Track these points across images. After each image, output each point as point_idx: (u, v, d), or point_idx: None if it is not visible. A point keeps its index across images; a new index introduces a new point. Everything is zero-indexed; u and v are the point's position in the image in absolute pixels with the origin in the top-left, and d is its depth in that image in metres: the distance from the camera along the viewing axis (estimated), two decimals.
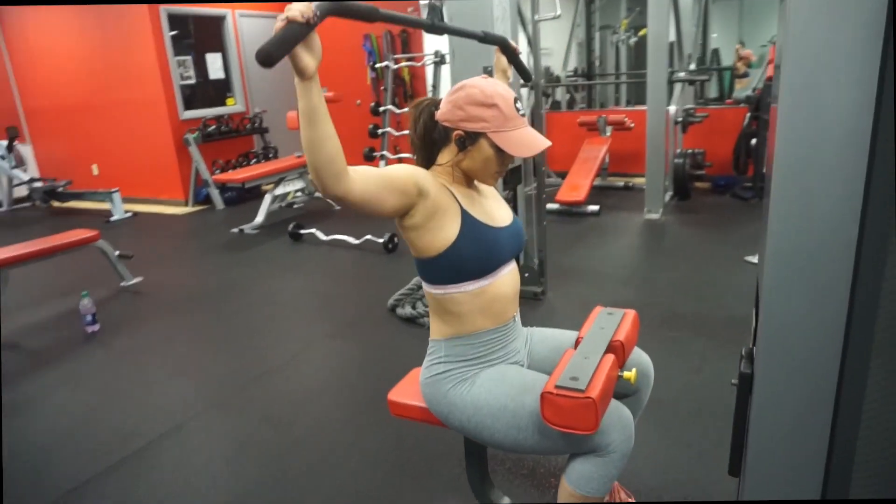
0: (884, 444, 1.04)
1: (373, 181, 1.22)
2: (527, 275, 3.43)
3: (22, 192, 7.41)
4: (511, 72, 1.94)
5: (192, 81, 6.90)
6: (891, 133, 0.88)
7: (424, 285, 1.48)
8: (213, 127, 6.84)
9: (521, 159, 3.37)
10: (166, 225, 6.13)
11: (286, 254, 4.73)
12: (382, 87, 7.80)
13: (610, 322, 1.58)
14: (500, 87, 1.38)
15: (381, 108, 7.40)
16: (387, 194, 1.25)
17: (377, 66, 7.62)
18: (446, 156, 1.44)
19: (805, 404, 1.09)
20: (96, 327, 3.36)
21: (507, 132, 1.37)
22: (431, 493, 1.89)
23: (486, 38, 1.90)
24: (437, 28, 1.65)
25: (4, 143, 7.09)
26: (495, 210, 1.51)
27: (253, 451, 2.17)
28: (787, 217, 1.03)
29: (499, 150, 1.38)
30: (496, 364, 1.48)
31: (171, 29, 6.54)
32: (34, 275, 4.29)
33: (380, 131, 7.39)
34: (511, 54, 1.90)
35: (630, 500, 1.74)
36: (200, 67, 7.03)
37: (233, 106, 7.41)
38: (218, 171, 6.68)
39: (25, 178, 7.15)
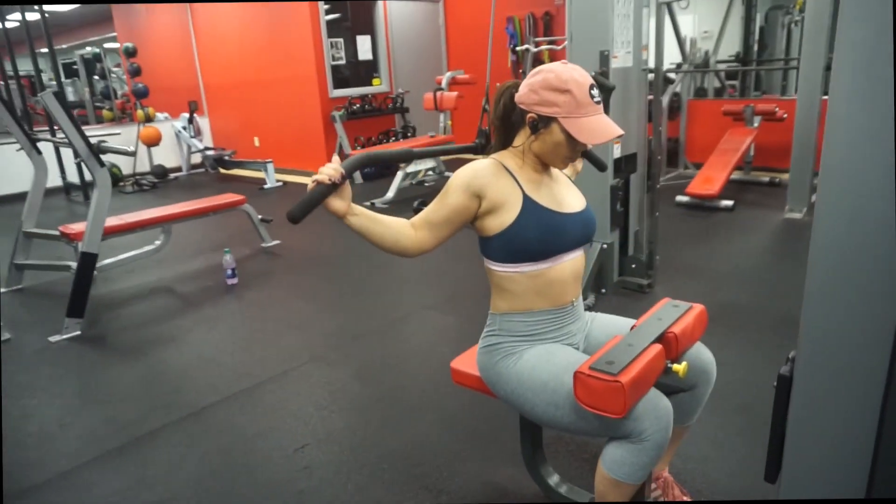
0: None
1: (430, 232, 1.46)
2: (633, 266, 3.34)
3: (197, 159, 8.43)
4: (581, 165, 1.83)
5: (343, 62, 7.39)
6: None
7: (484, 260, 1.54)
8: (358, 105, 7.29)
9: (638, 147, 3.27)
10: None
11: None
12: (521, 70, 7.83)
13: (670, 314, 1.55)
14: (576, 74, 1.40)
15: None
16: (447, 231, 1.47)
17: (518, 48, 7.67)
18: (521, 138, 1.49)
19: (848, 410, 1.04)
20: (235, 280, 3.81)
21: (578, 118, 1.38)
22: (493, 461, 1.97)
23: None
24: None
25: (186, 115, 8.11)
26: (565, 196, 1.52)
27: (341, 401, 2.38)
28: (834, 216, 0.98)
29: (569, 136, 1.40)
30: (547, 342, 1.52)
31: (327, 13, 7.05)
32: (194, 231, 4.93)
33: None
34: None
35: (685, 499, 1.70)
36: (351, 49, 7.51)
37: (378, 86, 7.84)
38: (359, 147, 7.13)
39: (200, 146, 8.13)
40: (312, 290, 3.72)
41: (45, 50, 6.72)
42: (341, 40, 7.30)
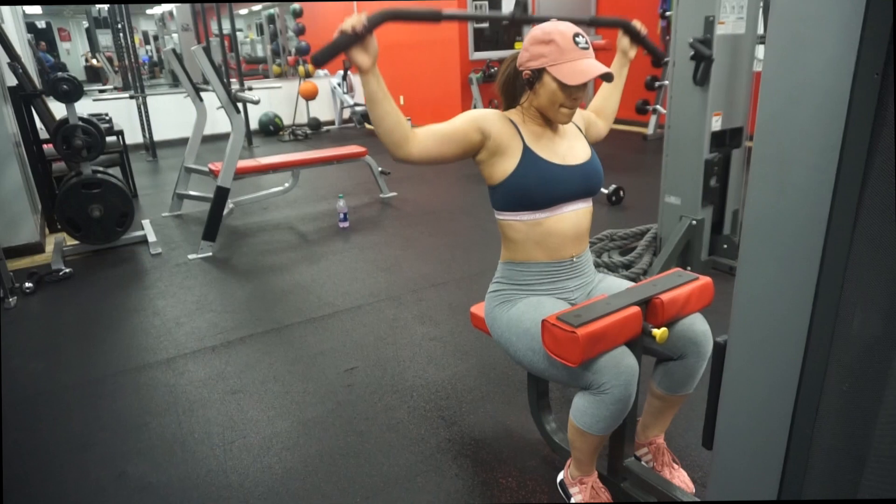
0: (842, 414, 0.99)
1: (431, 140, 1.46)
2: (726, 246, 3.19)
3: (348, 114, 9.09)
4: (633, 52, 1.81)
5: (486, 24, 7.50)
6: (865, 105, 0.82)
7: (494, 211, 1.65)
8: (496, 69, 7.39)
9: (744, 121, 3.08)
10: None
11: None
12: (669, 37, 7.40)
13: (668, 282, 1.57)
14: (561, 25, 1.46)
15: (665, 60, 7.06)
16: (446, 148, 1.47)
17: (668, 13, 7.24)
18: (525, 97, 1.57)
19: (773, 375, 1.07)
20: (346, 224, 4.20)
21: (563, 63, 1.44)
22: (511, 406, 2.10)
23: (596, 22, 1.92)
24: (520, 20, 1.63)
25: (342, 73, 8.74)
26: (568, 150, 1.57)
27: (398, 336, 2.63)
28: (764, 188, 1.01)
29: (562, 84, 1.46)
30: (541, 295, 1.61)
31: None
32: (323, 177, 5.43)
33: (657, 84, 7.12)
34: (634, 35, 1.78)
35: (675, 466, 1.71)
36: (496, 10, 7.58)
37: (519, 49, 7.84)
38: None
39: (351, 102, 8.75)
40: (412, 240, 3.99)
41: (244, 11, 7.58)
42: (486, 2, 7.40)
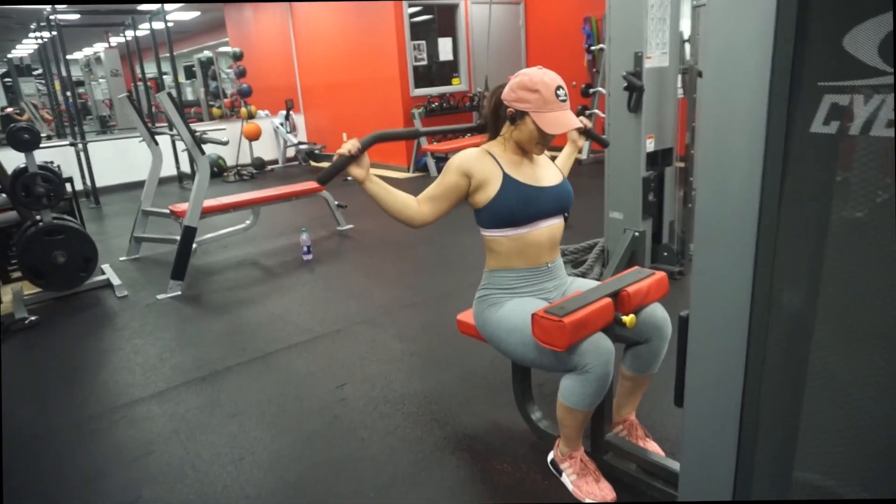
0: (782, 365, 1.26)
1: (434, 204, 1.80)
2: (666, 254, 3.55)
3: (292, 152, 9.21)
4: (581, 142, 2.11)
5: (424, 63, 7.87)
6: (779, 122, 1.09)
7: (479, 227, 1.89)
8: (437, 104, 7.74)
9: (673, 142, 3.47)
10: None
11: (472, 217, 5.34)
12: (596, 70, 7.98)
13: (631, 277, 1.84)
14: (546, 77, 1.73)
15: (591, 90, 7.60)
16: (447, 203, 1.81)
17: (593, 48, 7.83)
18: (506, 128, 1.83)
19: (727, 340, 1.32)
20: (310, 256, 4.35)
21: (543, 112, 1.72)
22: (497, 405, 2.31)
23: None
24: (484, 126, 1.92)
25: (284, 112, 8.90)
26: (542, 174, 1.85)
27: (380, 354, 2.81)
28: (709, 192, 1.27)
29: (538, 127, 1.73)
30: (525, 296, 1.85)
31: (411, 17, 7.55)
32: (280, 214, 5.55)
33: (587, 112, 7.63)
34: (581, 129, 2.02)
35: (648, 440, 1.97)
36: (432, 50, 7.97)
37: (457, 85, 8.26)
38: (434, 143, 7.58)
39: (294, 141, 8.89)
40: (376, 268, 4.18)
41: (167, 55, 7.65)
42: (424, 42, 7.78)
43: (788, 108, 1.07)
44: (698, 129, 1.25)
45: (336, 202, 5.06)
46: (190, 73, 13.84)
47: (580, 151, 2.16)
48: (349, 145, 1.71)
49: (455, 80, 8.29)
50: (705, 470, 1.44)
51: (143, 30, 8.56)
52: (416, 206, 1.80)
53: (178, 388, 2.62)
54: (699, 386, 1.41)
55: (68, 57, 11.64)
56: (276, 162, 9.12)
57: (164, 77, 11.39)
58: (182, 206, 4.19)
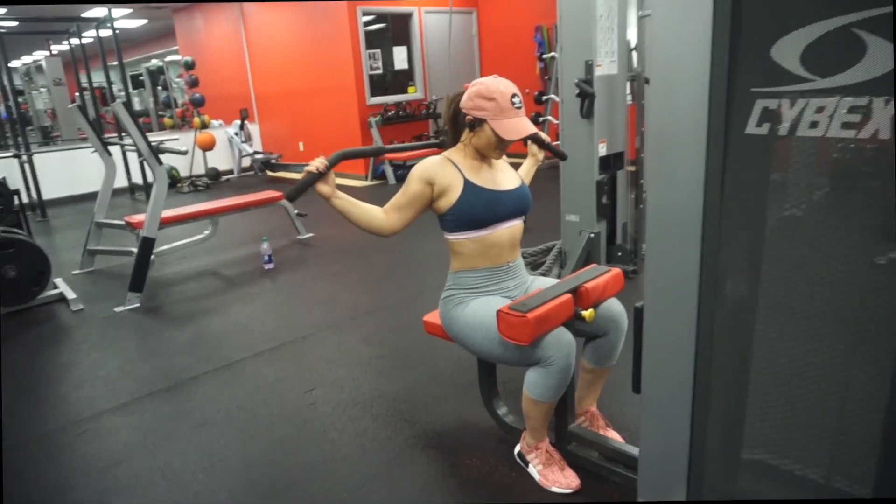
0: (729, 349, 1.36)
1: (401, 213, 1.87)
2: (620, 254, 3.69)
3: (247, 162, 9.12)
4: (541, 155, 2.22)
5: (380, 71, 7.93)
6: (718, 124, 1.20)
7: (443, 232, 1.97)
8: (393, 112, 7.81)
9: (624, 146, 3.63)
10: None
11: (431, 222, 5.41)
12: (548, 77, 8.19)
13: (589, 275, 1.94)
14: (501, 85, 1.82)
15: (544, 97, 7.79)
16: (413, 211, 1.89)
17: (545, 56, 8.04)
18: (465, 135, 1.91)
19: (678, 328, 1.42)
20: (271, 265, 4.34)
21: (500, 120, 1.80)
22: (465, 403, 2.38)
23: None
24: (442, 145, 2.01)
25: (238, 122, 8.81)
26: (501, 178, 1.94)
27: (347, 358, 2.84)
28: (658, 191, 1.38)
29: (496, 133, 1.82)
30: (488, 295, 1.93)
31: (365, 25, 7.60)
32: (239, 224, 5.51)
33: (541, 119, 7.80)
34: (541, 143, 2.13)
35: (609, 430, 2.07)
36: (388, 59, 8.04)
37: (413, 93, 8.34)
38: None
39: (250, 151, 8.81)
40: (339, 275, 4.20)
41: (115, 63, 7.48)
42: (378, 51, 7.84)
43: (726, 112, 1.18)
44: (647, 134, 1.36)
45: (296, 211, 5.06)
46: (137, 83, 13.52)
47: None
48: (316, 163, 1.78)
49: (411, 89, 8.37)
50: (662, 452, 1.54)
51: (88, 37, 8.35)
52: (383, 216, 1.87)
53: (142, 399, 2.60)
54: (654, 372, 1.51)
55: (10, 65, 11.20)
56: (231, 172, 9.01)
57: (112, 86, 11.12)
58: (138, 218, 4.13)
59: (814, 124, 1.02)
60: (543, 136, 2.16)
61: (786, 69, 1.03)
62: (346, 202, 1.83)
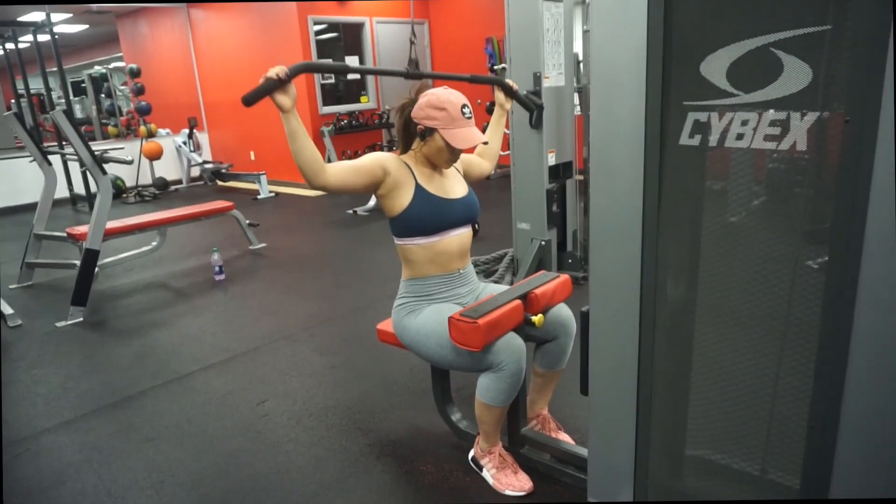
0: (669, 349, 1.42)
1: (344, 172, 1.78)
2: (570, 261, 3.78)
3: (197, 172, 8.93)
4: (511, 105, 2.23)
5: (332, 81, 7.90)
6: (654, 136, 1.25)
7: (394, 238, 1.98)
8: (346, 121, 7.79)
9: (573, 156, 3.73)
10: (299, 204, 7.15)
11: (384, 232, 5.42)
12: None
13: (538, 281, 1.99)
14: (452, 97, 1.86)
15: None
16: (356, 178, 1.80)
17: (496, 67, 8.16)
18: (416, 143, 1.94)
19: (622, 330, 1.47)
20: (222, 276, 4.26)
21: (451, 129, 1.84)
22: (418, 410, 2.40)
23: (475, 79, 2.18)
24: (413, 75, 2.04)
25: (187, 131, 8.62)
26: (451, 186, 1.97)
27: (301, 369, 2.82)
28: (600, 199, 1.44)
29: (446, 142, 1.85)
30: (441, 302, 1.95)
31: (317, 35, 7.57)
32: (188, 235, 5.40)
33: None
34: (508, 90, 2.18)
35: (561, 433, 2.12)
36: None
37: (365, 103, 8.34)
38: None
39: (199, 160, 8.63)
40: (292, 285, 4.16)
41: (55, 69, 7.23)
42: (330, 61, 7.81)
43: (661, 124, 1.25)
44: (590, 142, 1.43)
45: (248, 221, 4.99)
46: (79, 90, 13.08)
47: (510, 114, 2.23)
48: (277, 69, 1.62)
49: (363, 98, 8.37)
50: (609, 452, 1.60)
51: (25, 42, 8.05)
52: (325, 164, 1.76)
53: (86, 416, 2.52)
54: (601, 374, 1.57)
55: None
56: (179, 182, 8.80)
57: (52, 93, 10.72)
58: (81, 229, 4.00)
59: (740, 136, 1.09)
60: (511, 83, 2.18)
61: (714, 84, 1.10)
62: (300, 125, 1.69)
